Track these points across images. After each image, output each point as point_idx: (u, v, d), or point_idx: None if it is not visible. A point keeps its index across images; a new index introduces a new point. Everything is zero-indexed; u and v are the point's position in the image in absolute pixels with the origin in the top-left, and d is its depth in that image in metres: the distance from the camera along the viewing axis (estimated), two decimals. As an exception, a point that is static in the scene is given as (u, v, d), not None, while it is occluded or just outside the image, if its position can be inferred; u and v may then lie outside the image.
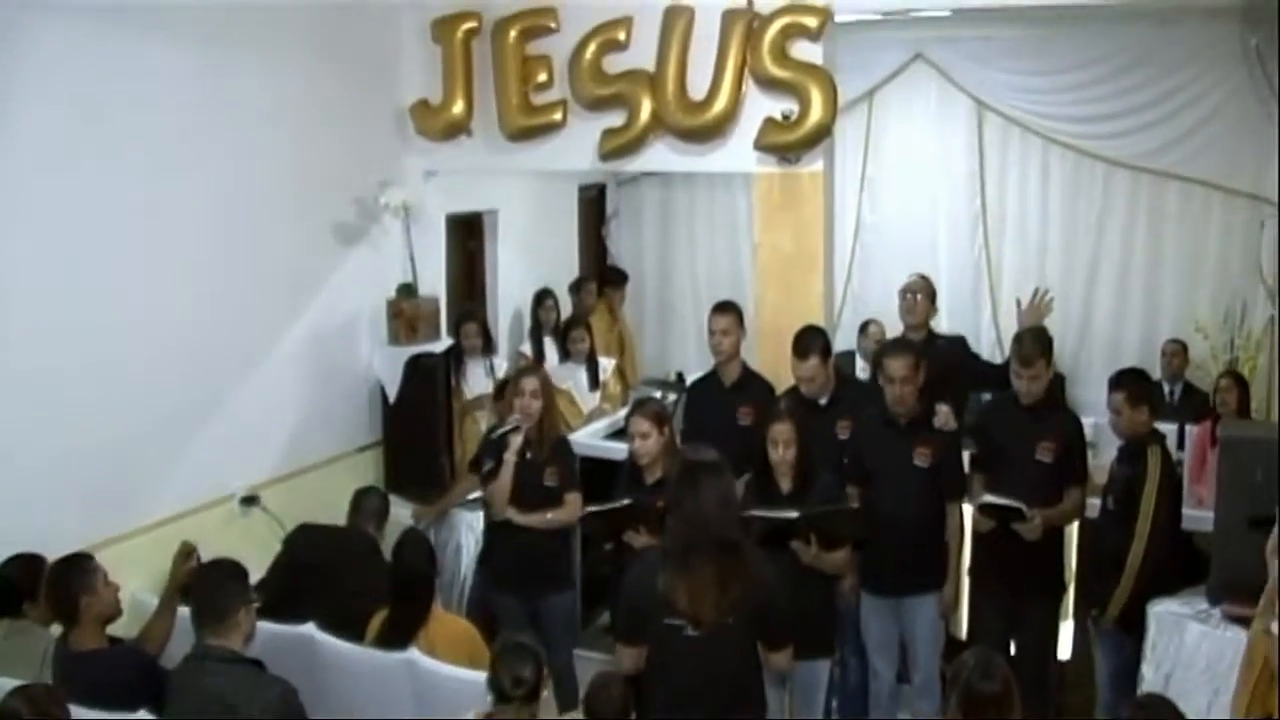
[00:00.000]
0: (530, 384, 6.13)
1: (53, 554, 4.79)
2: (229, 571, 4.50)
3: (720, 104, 6.95)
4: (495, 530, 6.28)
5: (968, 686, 3.85)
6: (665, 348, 10.85)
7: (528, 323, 9.26)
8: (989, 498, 5.77)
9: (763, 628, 4.40)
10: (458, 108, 7.55)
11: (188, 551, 4.99)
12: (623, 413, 7.17)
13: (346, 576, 5.62)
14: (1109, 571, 5.66)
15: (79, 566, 4.63)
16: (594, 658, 6.13)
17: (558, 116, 7.40)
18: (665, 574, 4.28)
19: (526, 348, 8.96)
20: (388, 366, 7.61)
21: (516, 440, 6.06)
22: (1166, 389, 8.40)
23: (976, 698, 3.82)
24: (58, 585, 4.60)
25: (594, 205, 11.08)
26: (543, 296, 9.18)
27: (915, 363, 5.86)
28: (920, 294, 7.04)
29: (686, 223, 10.90)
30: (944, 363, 6.49)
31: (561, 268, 10.11)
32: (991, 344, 9.50)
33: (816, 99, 6.72)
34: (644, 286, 10.95)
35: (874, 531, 5.80)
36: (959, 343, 7.36)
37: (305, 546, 5.92)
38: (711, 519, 4.26)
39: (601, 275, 10.37)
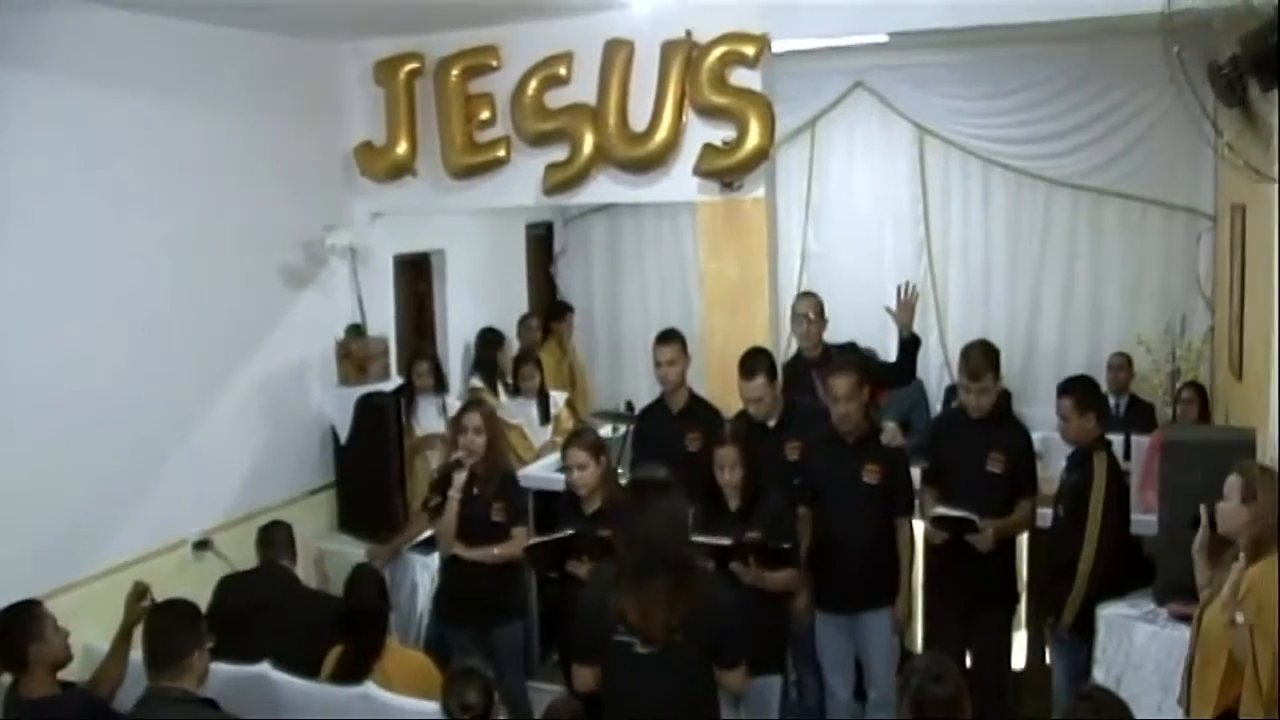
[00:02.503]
0: (473, 420, 6.14)
1: (1, 604, 4.72)
2: (182, 613, 4.48)
3: (662, 134, 7.01)
4: (445, 565, 6.29)
5: (919, 691, 3.87)
6: (617, 380, 10.89)
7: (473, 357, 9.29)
8: (941, 510, 5.83)
9: (715, 647, 4.41)
10: (402, 148, 7.60)
11: (140, 592, 4.95)
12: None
13: (282, 613, 5.60)
14: (1062, 578, 5.71)
15: (26, 613, 4.59)
16: (549, 690, 6.14)
17: (501, 153, 7.44)
18: (616, 592, 4.30)
19: (477, 381, 8.96)
20: (338, 407, 7.62)
21: (460, 477, 6.08)
22: (1112, 401, 8.49)
23: (928, 702, 3.84)
24: (5, 633, 4.55)
25: (542, 243, 11.14)
26: (488, 334, 9.21)
27: (859, 380, 5.91)
28: (812, 311, 7.22)
29: (635, 257, 10.98)
30: None
31: (511, 306, 10.16)
32: (940, 366, 9.61)
33: (754, 124, 6.78)
34: (594, 321, 11.03)
35: (819, 553, 5.87)
36: (851, 348, 7.53)
37: (235, 593, 5.84)
38: (661, 537, 4.29)
39: (547, 310, 10.40)
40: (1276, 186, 5.55)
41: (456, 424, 6.23)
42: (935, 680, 3.87)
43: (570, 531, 5.71)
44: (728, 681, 4.51)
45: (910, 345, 7.07)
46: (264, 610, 5.62)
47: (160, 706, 4.28)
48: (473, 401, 7.04)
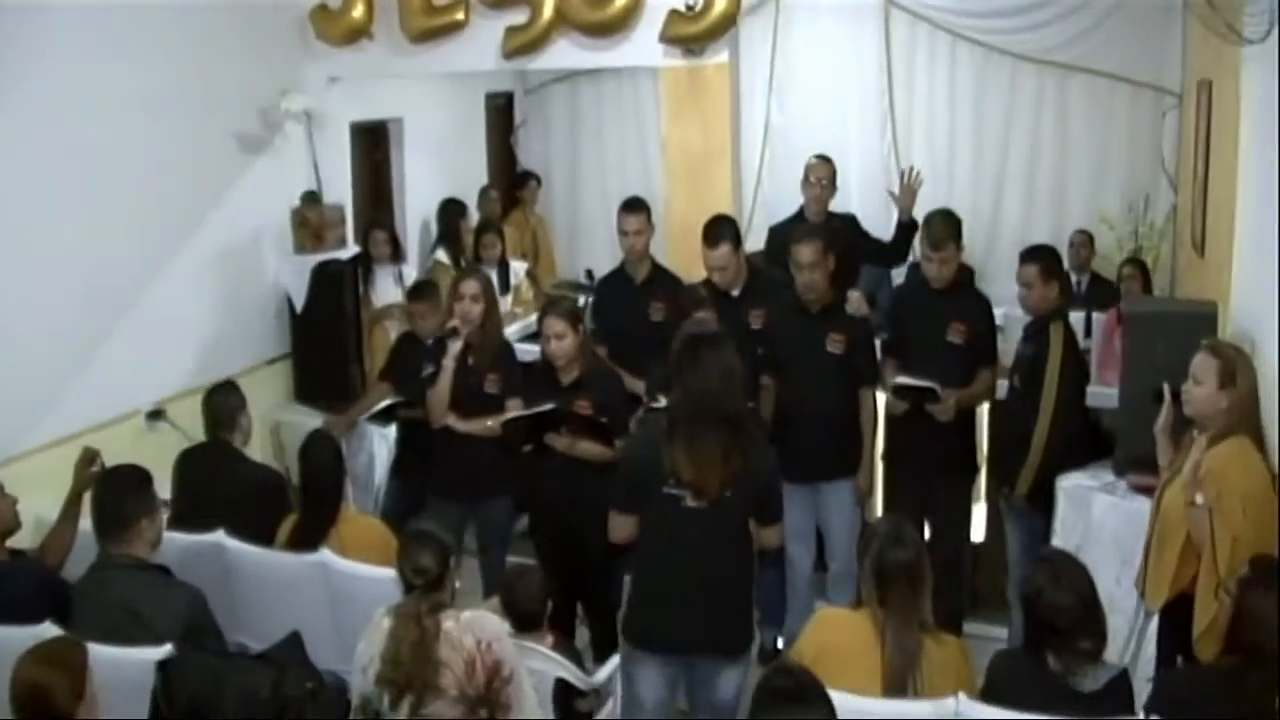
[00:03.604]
0: (470, 288, 5.95)
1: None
2: (131, 478, 4.43)
3: (623, -2, 6.86)
4: (432, 434, 6.10)
5: (879, 554, 3.87)
6: (575, 253, 10.77)
7: (435, 230, 9.16)
8: (902, 379, 5.82)
9: (758, 503, 4.41)
10: (358, 11, 7.44)
11: (90, 458, 4.89)
12: (534, 317, 7.11)
13: (230, 487, 5.44)
14: (1017, 449, 5.73)
15: None
16: (514, 560, 6.09)
17: (460, 16, 7.29)
18: (669, 445, 4.27)
19: (442, 254, 8.80)
20: (294, 276, 7.51)
21: (455, 346, 5.92)
22: (1074, 279, 8.46)
23: (888, 564, 3.85)
24: None
25: (502, 114, 10.98)
26: (449, 205, 9.08)
27: (824, 248, 5.85)
28: (824, 177, 7.21)
29: (594, 129, 10.81)
30: (840, 242, 6.52)
31: (470, 177, 10.03)
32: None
33: (721, -10, 6.64)
34: (553, 193, 10.90)
35: (782, 423, 5.85)
36: (851, 221, 7.50)
37: (189, 471, 5.61)
38: (715, 391, 4.25)
39: (513, 180, 10.25)
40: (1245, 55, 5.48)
41: (454, 290, 6.04)
42: (895, 543, 3.88)
43: (551, 406, 5.61)
44: (766, 537, 4.51)
45: (908, 228, 7.07)
46: (214, 485, 5.45)
47: (111, 574, 4.25)
48: (470, 268, 6.93)
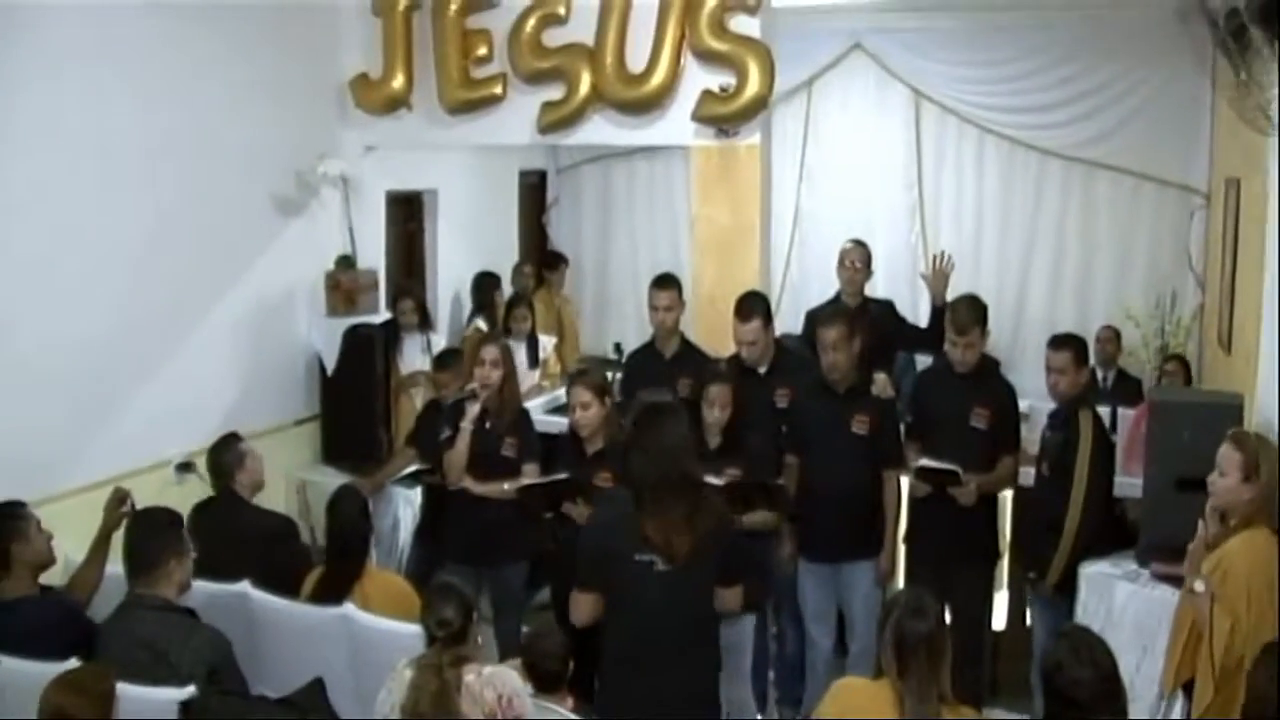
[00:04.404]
0: (490, 353, 6.07)
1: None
2: (162, 520, 4.47)
3: (659, 77, 6.96)
4: (449, 497, 6.18)
5: (899, 625, 3.86)
6: (604, 328, 10.84)
7: (469, 305, 9.24)
8: (925, 461, 5.83)
9: (721, 564, 4.44)
10: (398, 81, 7.52)
11: (120, 498, 4.95)
12: (561, 390, 7.16)
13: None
14: (1046, 537, 5.73)
15: (10, 514, 4.59)
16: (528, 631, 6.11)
17: (497, 90, 7.38)
18: (634, 513, 4.32)
19: (481, 323, 8.85)
20: (325, 338, 7.58)
21: (474, 409, 6.01)
22: (1100, 374, 8.51)
23: (909, 636, 3.83)
24: None
25: (535, 192, 11.10)
26: (484, 278, 9.17)
27: (848, 331, 5.90)
28: (859, 261, 7.21)
29: (626, 208, 10.96)
30: (877, 328, 6.60)
31: (501, 252, 10.11)
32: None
33: (754, 72, 6.74)
34: (583, 272, 11.00)
35: (804, 502, 5.87)
36: (888, 306, 7.53)
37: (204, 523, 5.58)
38: (676, 456, 4.32)
39: (541, 259, 10.37)
40: (1275, 147, 5.55)
41: (475, 355, 6.17)
42: (915, 613, 3.86)
43: (565, 475, 5.69)
44: (726, 598, 4.54)
45: (942, 313, 7.08)
46: (225, 534, 5.40)
47: (138, 613, 4.27)
48: (490, 335, 6.98)
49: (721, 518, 4.48)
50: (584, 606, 4.51)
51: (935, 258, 7.37)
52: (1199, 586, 4.31)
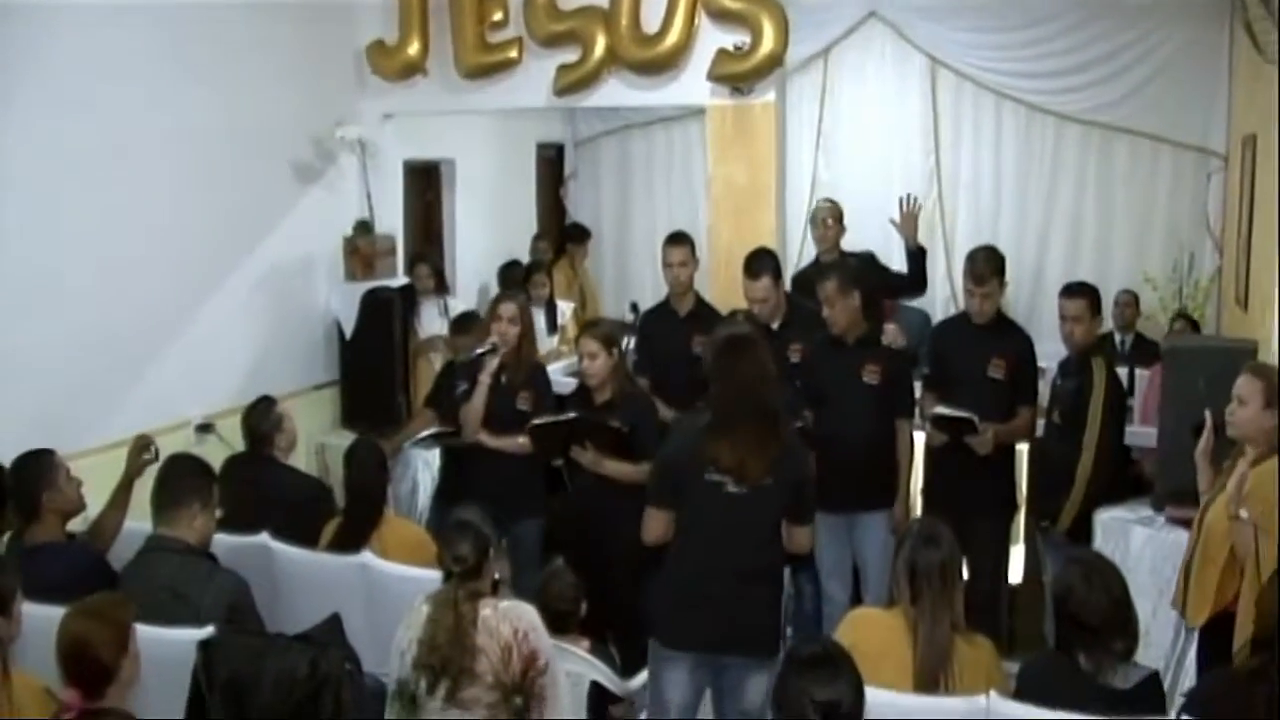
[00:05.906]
0: (508, 309, 6.12)
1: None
2: (196, 467, 4.56)
3: (673, 37, 6.99)
4: (465, 454, 6.21)
5: (912, 553, 3.90)
6: (623, 306, 10.81)
7: (495, 288, 9.28)
8: (942, 409, 5.83)
9: (794, 497, 4.49)
10: (413, 48, 7.55)
11: (144, 445, 5.01)
12: (579, 356, 7.20)
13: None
14: (1059, 484, 5.73)
15: (40, 461, 4.65)
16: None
17: (513, 54, 7.41)
18: (710, 434, 4.37)
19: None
20: (344, 303, 7.63)
21: (491, 363, 6.05)
22: (1118, 338, 8.50)
23: (921, 564, 3.87)
24: (19, 480, 4.60)
25: (552, 165, 11.14)
26: (508, 268, 9.32)
27: (841, 283, 5.91)
28: (831, 218, 7.38)
29: (644, 181, 10.96)
30: (860, 279, 6.59)
31: (519, 225, 10.19)
32: (946, 299, 9.58)
33: (768, 29, 6.78)
34: (602, 242, 11.02)
35: (819, 454, 5.87)
36: (869, 258, 7.55)
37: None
38: (753, 384, 4.38)
39: (563, 232, 10.40)
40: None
41: (493, 311, 6.22)
42: (928, 542, 3.91)
43: (574, 414, 5.74)
44: (796, 536, 4.57)
45: (918, 255, 7.19)
46: (258, 490, 5.57)
47: (159, 556, 4.32)
48: (508, 291, 7.01)
49: (795, 451, 4.52)
50: (655, 523, 4.54)
51: (902, 200, 7.43)
52: (1243, 514, 4.32)
